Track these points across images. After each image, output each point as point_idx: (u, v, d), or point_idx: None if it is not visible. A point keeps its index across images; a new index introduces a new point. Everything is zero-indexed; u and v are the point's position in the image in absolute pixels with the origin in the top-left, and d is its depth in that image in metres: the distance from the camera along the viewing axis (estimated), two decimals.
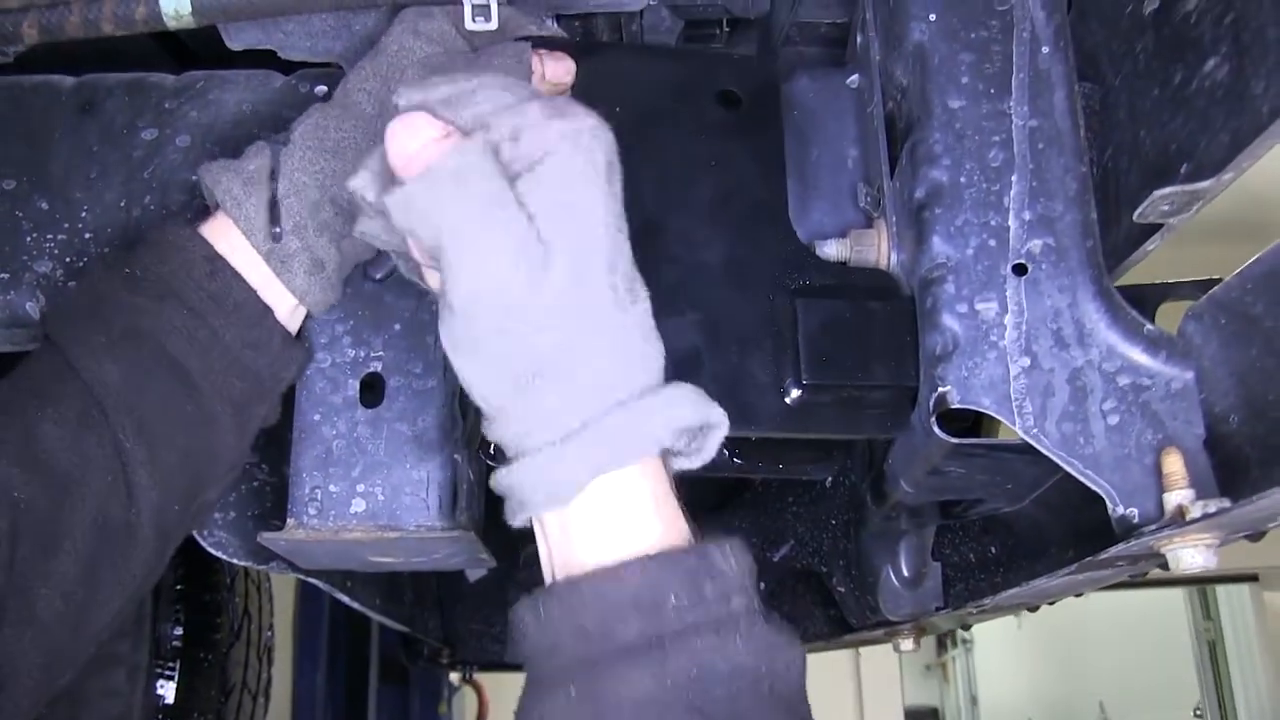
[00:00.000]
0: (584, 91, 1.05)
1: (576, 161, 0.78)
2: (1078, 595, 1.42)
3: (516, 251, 0.75)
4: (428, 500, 1.01)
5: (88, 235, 1.12)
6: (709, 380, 0.98)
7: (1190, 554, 0.85)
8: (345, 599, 1.44)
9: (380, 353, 1.05)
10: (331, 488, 1.01)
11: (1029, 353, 0.95)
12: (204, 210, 1.00)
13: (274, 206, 0.95)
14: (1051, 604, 1.57)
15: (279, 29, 1.12)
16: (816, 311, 1.01)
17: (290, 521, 1.01)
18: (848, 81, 1.17)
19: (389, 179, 0.81)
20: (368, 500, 1.01)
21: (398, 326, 1.06)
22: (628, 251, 0.81)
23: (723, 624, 0.73)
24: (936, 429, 0.95)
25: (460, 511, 1.03)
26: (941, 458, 0.99)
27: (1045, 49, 1.04)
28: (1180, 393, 0.94)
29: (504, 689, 4.30)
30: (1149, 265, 1.08)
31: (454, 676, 2.93)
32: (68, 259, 1.12)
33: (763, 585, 1.78)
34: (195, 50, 1.30)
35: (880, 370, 1.00)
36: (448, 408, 1.03)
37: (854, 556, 1.55)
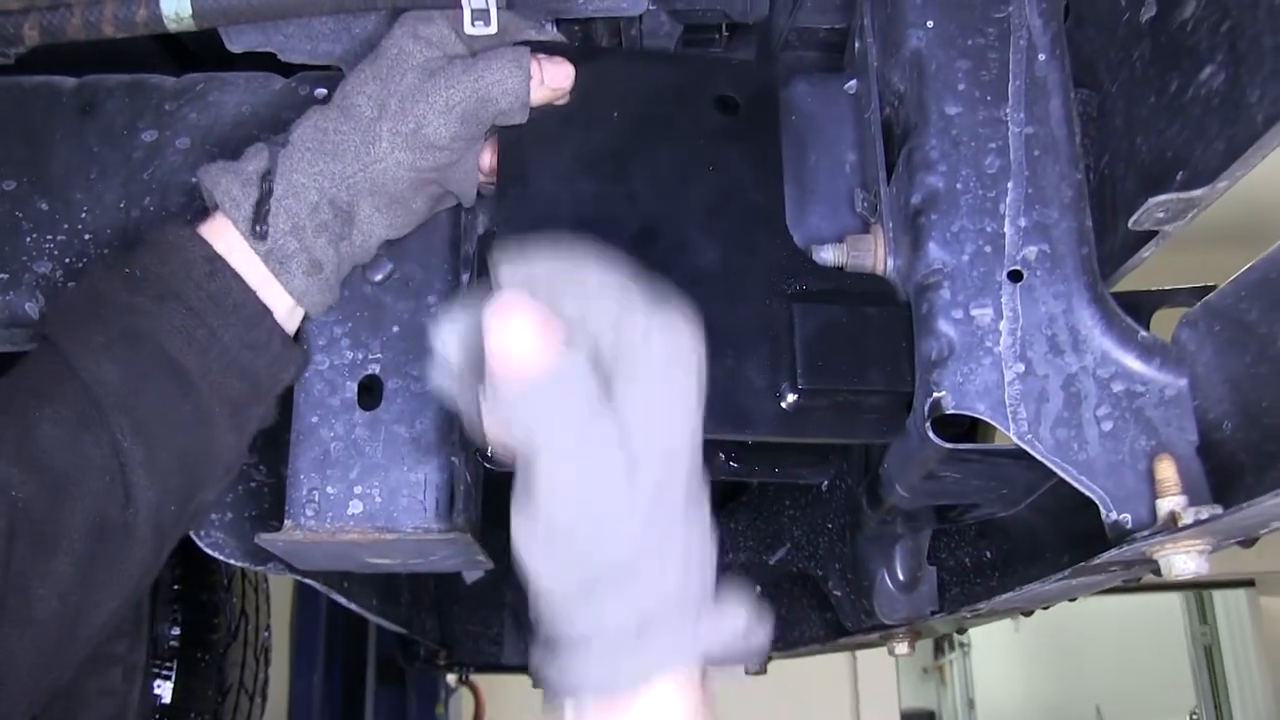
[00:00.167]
0: (582, 96, 1.06)
1: (674, 369, 0.82)
2: (1071, 600, 1.42)
3: (608, 465, 0.78)
4: (425, 502, 1.02)
5: (87, 236, 1.13)
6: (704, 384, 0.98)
7: (1183, 560, 0.85)
8: (342, 600, 1.45)
9: (378, 355, 1.05)
10: (329, 489, 1.01)
11: (1024, 359, 0.96)
12: (203, 211, 1.00)
13: (268, 208, 0.96)
14: (1046, 609, 1.58)
15: (279, 31, 1.12)
16: (813, 316, 1.01)
17: (288, 523, 1.01)
18: (846, 87, 1.17)
19: (479, 359, 0.82)
20: (365, 502, 1.01)
21: (396, 329, 1.06)
22: (700, 442, 0.83)
23: None
24: (931, 434, 0.96)
25: (457, 514, 1.03)
26: (936, 463, 1.00)
27: (1042, 56, 1.05)
28: (1174, 399, 0.95)
29: (501, 690, 4.30)
30: (1146, 269, 1.09)
31: (451, 678, 2.93)
32: (67, 260, 1.12)
33: (758, 588, 1.79)
34: (195, 52, 1.30)
35: (876, 375, 1.00)
36: (445, 410, 1.04)
37: (850, 560, 1.55)
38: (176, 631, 2.18)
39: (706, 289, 1.02)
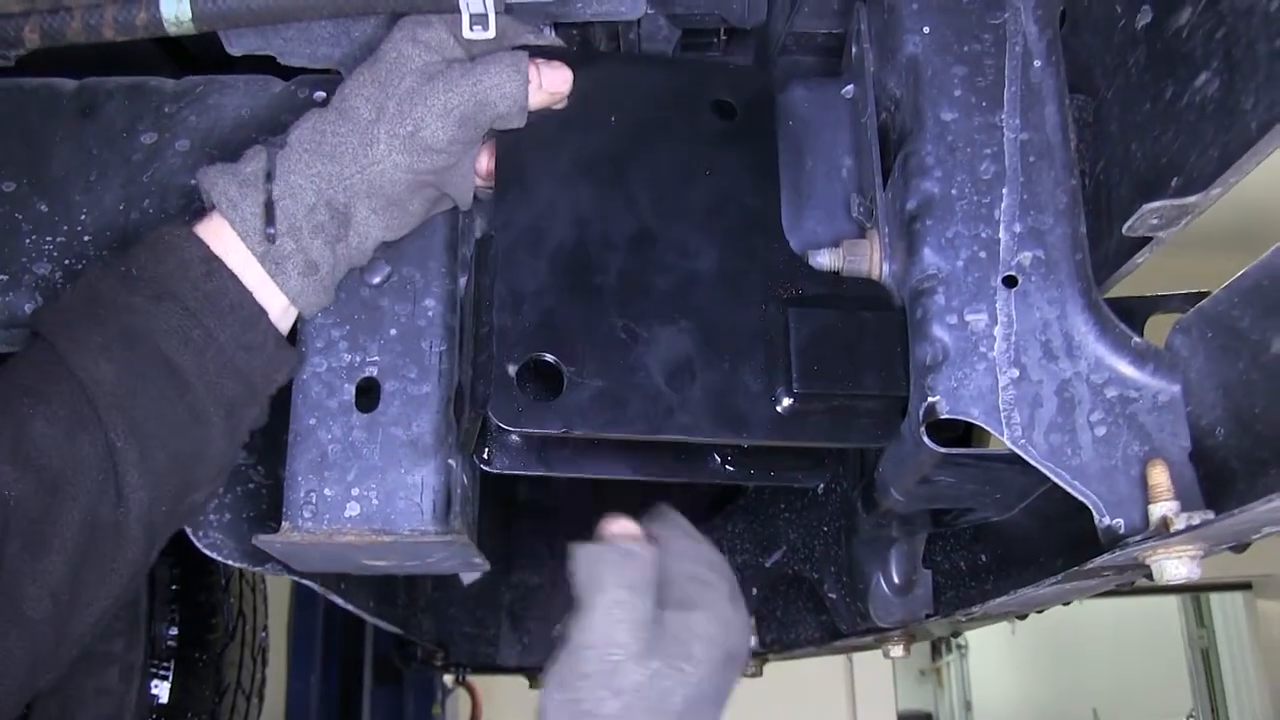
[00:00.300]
0: (580, 100, 1.06)
1: (732, 663, 0.98)
2: (1066, 604, 1.43)
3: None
4: (422, 505, 1.02)
5: (86, 238, 1.13)
6: (701, 388, 0.99)
7: (1174, 565, 0.86)
8: (339, 601, 1.45)
9: (376, 358, 1.05)
10: (326, 491, 1.02)
11: (1018, 364, 0.96)
12: (200, 211, 1.01)
13: (269, 208, 0.96)
14: (1040, 612, 1.58)
15: (278, 35, 1.12)
16: (808, 321, 1.01)
17: (285, 524, 1.01)
18: (843, 92, 1.18)
19: None
20: (362, 504, 1.02)
21: (393, 332, 1.06)
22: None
23: None
24: (926, 439, 0.96)
25: (454, 516, 1.03)
26: (931, 467, 1.00)
27: (1037, 63, 1.05)
28: (1167, 405, 0.95)
29: (497, 691, 4.31)
30: (1141, 272, 1.09)
31: (447, 678, 2.93)
32: (66, 261, 1.12)
33: (755, 590, 1.79)
34: (195, 54, 1.31)
35: (871, 380, 1.00)
36: (442, 413, 1.04)
37: (845, 563, 1.55)
38: (174, 631, 2.18)
39: (703, 293, 1.02)
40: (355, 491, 1.02)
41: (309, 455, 1.03)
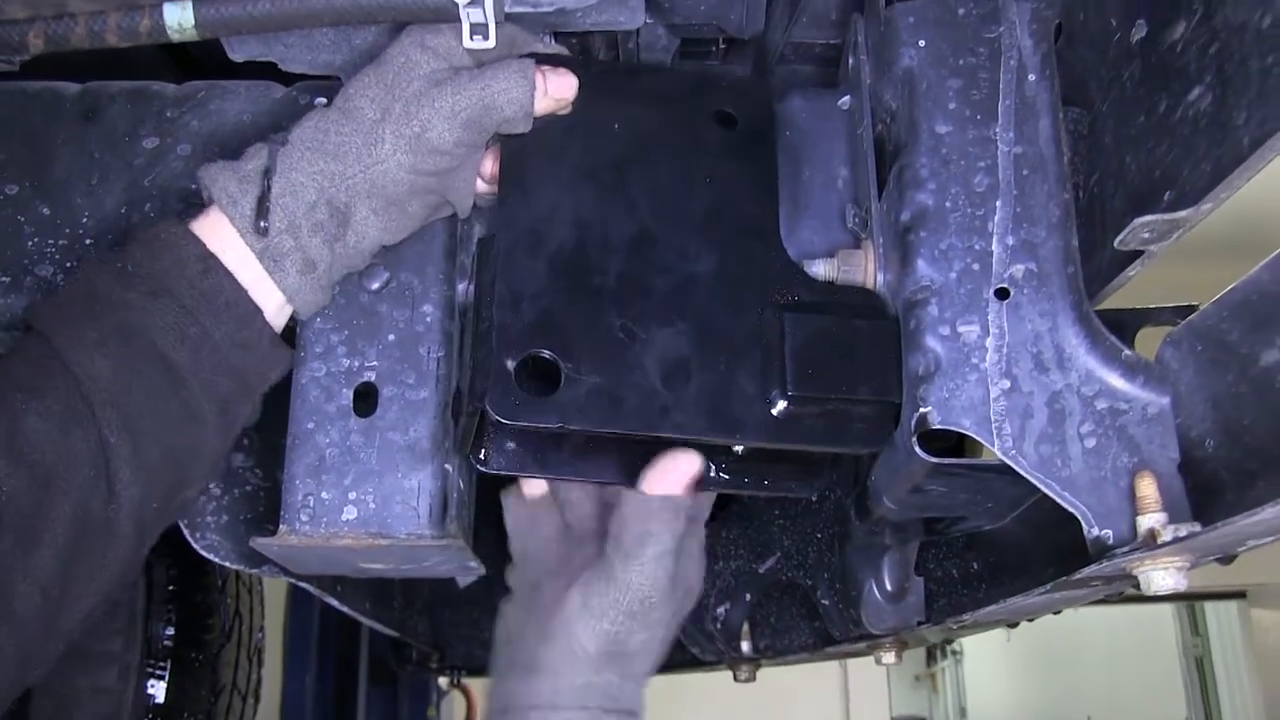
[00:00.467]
0: (584, 107, 1.07)
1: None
2: (1057, 612, 1.43)
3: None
4: (418, 509, 1.03)
5: (88, 241, 1.14)
6: (697, 390, 1.00)
7: (1161, 576, 0.86)
8: (335, 603, 1.45)
9: (374, 363, 1.06)
10: (324, 495, 1.02)
11: (1009, 375, 0.97)
12: (198, 208, 1.01)
13: (263, 202, 0.96)
14: (1030, 620, 1.59)
15: (280, 42, 1.13)
16: (804, 326, 1.02)
17: (283, 527, 1.02)
18: (839, 103, 1.19)
19: None
20: (359, 508, 1.02)
21: (392, 337, 1.07)
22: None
23: None
24: (918, 449, 0.97)
25: (450, 520, 1.04)
26: (923, 476, 1.01)
27: (1032, 76, 1.06)
28: (1156, 417, 0.96)
29: None
30: (1134, 281, 1.10)
31: (443, 680, 2.93)
32: (68, 264, 1.13)
33: (748, 596, 1.80)
34: (197, 59, 1.32)
35: (864, 385, 1.01)
36: (439, 418, 1.05)
37: (838, 570, 1.56)
38: (171, 631, 2.18)
39: (701, 296, 1.03)
40: (352, 495, 1.02)
41: (307, 459, 1.03)
